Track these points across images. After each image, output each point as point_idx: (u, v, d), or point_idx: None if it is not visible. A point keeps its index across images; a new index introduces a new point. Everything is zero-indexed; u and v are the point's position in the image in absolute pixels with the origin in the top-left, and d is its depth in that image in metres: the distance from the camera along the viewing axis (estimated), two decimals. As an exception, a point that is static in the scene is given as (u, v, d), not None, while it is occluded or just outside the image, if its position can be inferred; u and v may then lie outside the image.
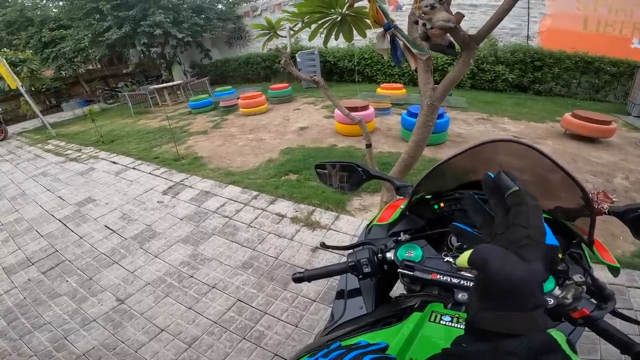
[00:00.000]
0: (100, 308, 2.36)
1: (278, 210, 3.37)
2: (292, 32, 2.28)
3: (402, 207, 0.94)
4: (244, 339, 2.00)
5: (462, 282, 0.65)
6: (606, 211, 0.82)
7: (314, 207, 3.34)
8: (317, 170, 1.15)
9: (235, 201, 3.65)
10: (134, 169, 4.99)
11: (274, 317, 2.13)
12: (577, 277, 0.62)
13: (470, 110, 6.78)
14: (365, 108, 5.30)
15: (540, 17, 8.96)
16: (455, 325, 0.56)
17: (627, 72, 7.59)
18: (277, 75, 11.95)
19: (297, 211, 3.30)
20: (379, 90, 7.98)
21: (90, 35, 10.93)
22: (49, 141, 7.60)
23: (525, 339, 0.29)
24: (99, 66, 15.14)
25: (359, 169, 1.03)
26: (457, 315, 0.58)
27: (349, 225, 3.01)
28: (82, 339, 2.11)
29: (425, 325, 0.57)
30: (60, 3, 12.26)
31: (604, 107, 7.33)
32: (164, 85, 10.41)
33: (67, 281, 2.68)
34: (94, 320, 2.26)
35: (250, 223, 3.20)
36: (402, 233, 0.81)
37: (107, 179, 4.74)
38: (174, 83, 10.71)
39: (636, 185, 3.71)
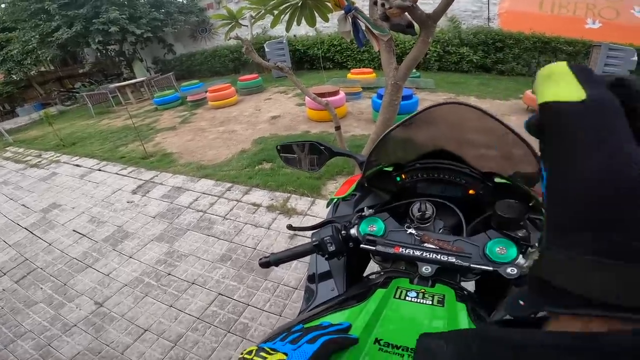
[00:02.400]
0: (80, 313, 2.29)
1: (253, 200, 3.32)
2: (252, 20, 2.24)
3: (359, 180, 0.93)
4: (229, 332, 1.98)
5: (425, 254, 0.62)
6: None
7: (289, 194, 3.32)
8: (281, 154, 1.11)
9: (208, 194, 3.56)
10: (100, 170, 4.76)
11: (256, 308, 2.12)
12: None
13: (439, 91, 6.94)
14: (335, 93, 5.32)
15: (499, -2, 9.20)
16: (422, 302, 0.53)
17: (583, 51, 7.98)
18: (246, 67, 11.69)
19: (272, 199, 3.27)
20: (349, 75, 8.05)
21: (37, 37, 10.23)
22: (7, 148, 7.11)
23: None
24: (52, 67, 14.17)
25: (321, 147, 1.00)
26: (422, 291, 0.56)
27: (325, 210, 3.00)
28: (66, 345, 2.06)
29: (390, 302, 0.54)
30: (2, 5, 11.32)
31: (563, 83, 7.72)
32: (126, 83, 9.93)
33: (41, 288, 2.59)
34: (75, 325, 2.19)
35: (226, 215, 3.13)
36: (366, 208, 0.79)
37: (72, 182, 4.50)
38: (136, 80, 10.25)
39: None
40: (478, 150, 0.82)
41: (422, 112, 0.71)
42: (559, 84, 0.20)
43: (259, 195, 3.38)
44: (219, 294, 2.27)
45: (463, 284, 0.67)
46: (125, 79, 12.17)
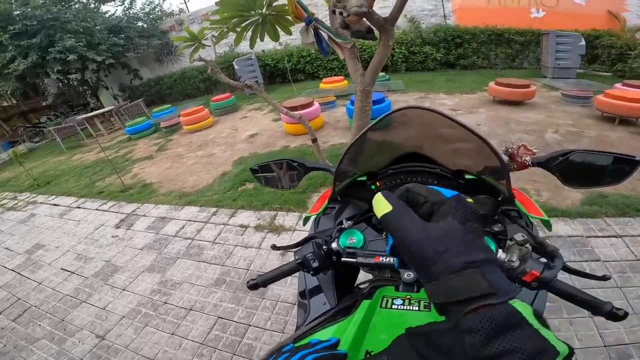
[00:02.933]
0: (83, 347, 2.27)
1: (240, 221, 3.34)
2: (214, 40, 2.25)
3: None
4: (234, 354, 1.99)
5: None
6: (530, 163, 0.81)
7: (275, 212, 3.35)
8: (257, 174, 1.11)
9: (194, 221, 3.54)
10: (79, 207, 4.64)
11: (258, 327, 2.13)
12: (519, 237, 0.57)
13: (409, 91, 7.18)
14: (310, 105, 5.38)
15: (451, -5, 9.57)
16: (408, 308, 0.53)
17: (534, 40, 8.43)
18: (218, 87, 11.61)
19: (259, 219, 3.30)
20: (321, 85, 8.15)
21: (-6, 70, 9.82)
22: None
23: (487, 314, 0.26)
24: (14, 101, 13.59)
25: (294, 163, 1.02)
26: (408, 297, 0.56)
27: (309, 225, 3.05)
28: (78, 379, 2.03)
29: (376, 312, 0.54)
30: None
31: (522, 73, 8.12)
32: (94, 113, 9.58)
33: (40, 325, 2.57)
34: (81, 359, 2.18)
35: (215, 240, 3.14)
36: (344, 220, 0.78)
37: (52, 222, 4.39)
38: (105, 110, 9.91)
39: (566, 137, 4.16)
40: (446, 149, 0.83)
41: (379, 120, 0.71)
42: (380, 205, 0.36)
43: (246, 217, 3.40)
44: (219, 317, 2.27)
45: None
46: (92, 109, 11.74)
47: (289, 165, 1.03)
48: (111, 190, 4.94)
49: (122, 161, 6.37)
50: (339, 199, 0.94)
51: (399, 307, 0.54)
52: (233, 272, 2.67)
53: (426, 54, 9.14)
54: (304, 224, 1.03)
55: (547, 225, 0.85)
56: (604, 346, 1.69)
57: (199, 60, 2.30)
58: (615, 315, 0.54)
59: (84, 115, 9.52)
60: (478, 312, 0.27)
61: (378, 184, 0.88)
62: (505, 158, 0.80)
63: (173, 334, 2.22)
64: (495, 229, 0.66)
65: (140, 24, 12.30)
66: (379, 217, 0.36)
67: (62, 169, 6.87)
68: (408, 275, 0.60)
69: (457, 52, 9.09)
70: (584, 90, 5.67)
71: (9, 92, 11.41)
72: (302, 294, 0.85)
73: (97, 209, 4.44)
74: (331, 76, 9.16)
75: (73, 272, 3.16)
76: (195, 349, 2.08)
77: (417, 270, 0.33)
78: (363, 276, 0.96)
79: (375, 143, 0.86)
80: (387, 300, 0.56)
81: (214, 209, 3.69)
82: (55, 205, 4.98)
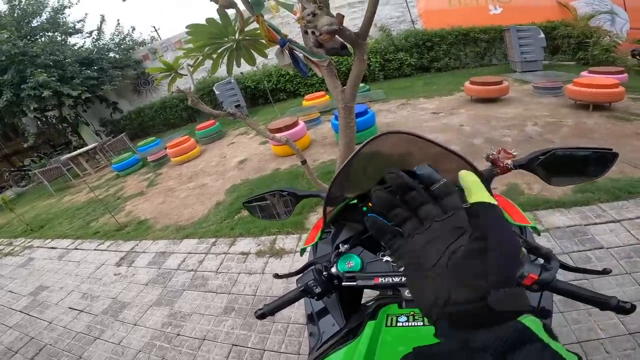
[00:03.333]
0: None
1: (240, 249, 3.39)
2: (191, 68, 2.22)
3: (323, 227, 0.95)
4: (255, 381, 2.00)
5: (403, 278, 0.62)
6: (511, 166, 0.81)
7: (274, 236, 3.41)
8: (250, 205, 1.12)
9: (195, 253, 3.58)
10: (77, 249, 4.65)
11: (273, 351, 2.15)
12: None
13: (390, 99, 7.36)
14: (295, 125, 5.40)
15: (416, 1, 9.92)
16: (413, 324, 0.55)
17: (498, 36, 8.78)
18: (201, 114, 11.49)
19: (259, 245, 3.35)
20: (304, 102, 8.18)
21: (-29, 110, 9.59)
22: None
23: (496, 331, 0.25)
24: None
25: (285, 192, 1.04)
26: (412, 313, 0.57)
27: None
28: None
29: (382, 331, 0.55)
30: None
31: (492, 70, 8.44)
32: (77, 152, 9.42)
33: None
34: None
35: (218, 269, 3.18)
36: (341, 244, 0.79)
37: (52, 265, 4.41)
38: (88, 147, 9.71)
39: (546, 128, 4.32)
40: (430, 162, 0.86)
41: (362, 147, 0.72)
42: (477, 189, 0.32)
43: (245, 244, 3.45)
44: (233, 344, 2.29)
45: None
46: (75, 148, 11.58)
47: (280, 195, 1.06)
48: (106, 229, 4.93)
49: (114, 200, 6.34)
50: (332, 226, 0.96)
51: (404, 324, 0.55)
52: (240, 299, 2.71)
53: (401, 60, 9.38)
54: (301, 255, 1.07)
55: (535, 231, 0.85)
56: (629, 334, 1.67)
57: (177, 92, 2.31)
58: (622, 308, 0.54)
59: (68, 155, 9.39)
60: (487, 330, 0.26)
61: (370, 205, 0.89)
62: (487, 164, 0.84)
63: (192, 364, 2.25)
64: None
65: (111, 54, 12.17)
66: (471, 201, 0.31)
67: (54, 212, 6.80)
68: (408, 293, 0.60)
69: (429, 56, 9.36)
70: (553, 81, 5.95)
71: (-12, 136, 11.21)
72: (310, 317, 0.88)
73: (95, 249, 4.44)
74: (312, 92, 9.20)
75: (82, 311, 3.20)
76: (215, 378, 2.11)
77: (504, 275, 0.27)
78: (370, 291, 1.05)
79: (361, 167, 0.86)
80: (392, 319, 0.57)
81: (212, 240, 3.73)
82: (52, 248, 4.97)
